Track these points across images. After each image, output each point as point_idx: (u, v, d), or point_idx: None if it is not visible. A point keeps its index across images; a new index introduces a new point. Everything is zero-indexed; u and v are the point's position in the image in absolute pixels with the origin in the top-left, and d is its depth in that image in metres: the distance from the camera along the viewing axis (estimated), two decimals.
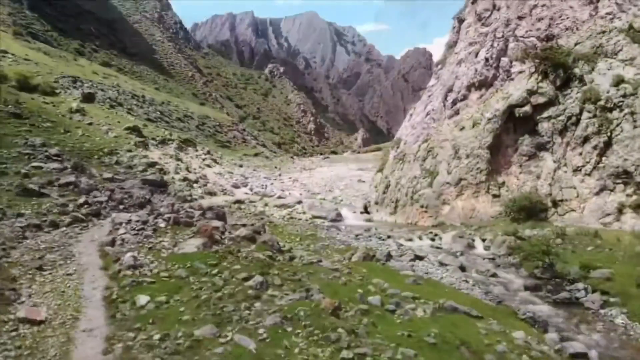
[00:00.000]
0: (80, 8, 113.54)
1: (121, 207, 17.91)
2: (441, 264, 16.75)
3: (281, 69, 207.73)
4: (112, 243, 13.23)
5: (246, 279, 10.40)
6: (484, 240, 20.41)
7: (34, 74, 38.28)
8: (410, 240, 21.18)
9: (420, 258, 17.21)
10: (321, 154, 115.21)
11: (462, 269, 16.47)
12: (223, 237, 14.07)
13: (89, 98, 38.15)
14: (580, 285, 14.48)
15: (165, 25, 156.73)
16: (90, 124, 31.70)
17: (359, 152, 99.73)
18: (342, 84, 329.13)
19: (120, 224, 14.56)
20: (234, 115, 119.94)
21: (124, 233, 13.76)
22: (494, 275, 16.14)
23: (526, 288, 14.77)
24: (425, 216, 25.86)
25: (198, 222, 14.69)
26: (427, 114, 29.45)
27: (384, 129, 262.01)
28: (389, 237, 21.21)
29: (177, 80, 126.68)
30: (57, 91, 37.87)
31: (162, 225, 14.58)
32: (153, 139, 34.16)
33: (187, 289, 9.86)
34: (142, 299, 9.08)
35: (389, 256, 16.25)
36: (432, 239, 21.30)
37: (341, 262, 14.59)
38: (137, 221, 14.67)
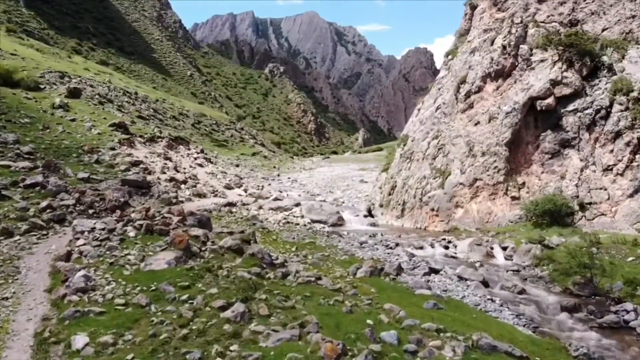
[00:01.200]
0: (78, 6, 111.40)
1: (91, 211, 15.57)
2: (460, 278, 14.45)
3: (281, 69, 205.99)
4: (68, 257, 10.93)
5: (223, 308, 8.13)
6: (504, 248, 18.10)
7: (18, 68, 35.98)
8: (421, 248, 18.86)
9: (436, 271, 14.90)
10: (321, 154, 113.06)
11: (485, 284, 14.17)
12: (203, 248, 11.79)
13: (74, 93, 35.71)
14: (628, 305, 12.25)
15: (164, 25, 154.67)
16: (73, 120, 29.41)
17: (359, 152, 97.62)
18: (342, 83, 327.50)
19: (82, 232, 12.26)
20: (233, 115, 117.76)
21: (84, 244, 11.46)
22: (522, 291, 13.86)
23: (563, 308, 12.46)
24: (436, 220, 23.56)
25: (175, 230, 12.36)
26: (437, 108, 27.09)
27: (384, 129, 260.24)
28: (397, 244, 18.88)
29: (176, 80, 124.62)
30: (42, 86, 35.55)
31: (132, 234, 12.26)
32: (141, 136, 31.82)
33: (145, 323, 7.57)
34: (80, 341, 6.79)
35: (399, 269, 13.96)
36: (446, 247, 19.01)
37: (344, 278, 12.28)
38: (103, 229, 12.38)
